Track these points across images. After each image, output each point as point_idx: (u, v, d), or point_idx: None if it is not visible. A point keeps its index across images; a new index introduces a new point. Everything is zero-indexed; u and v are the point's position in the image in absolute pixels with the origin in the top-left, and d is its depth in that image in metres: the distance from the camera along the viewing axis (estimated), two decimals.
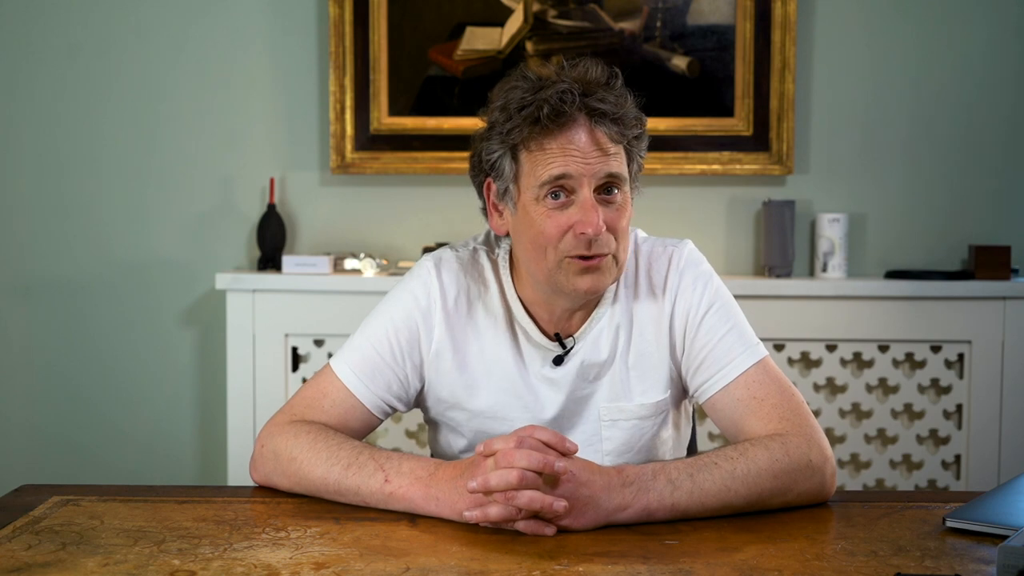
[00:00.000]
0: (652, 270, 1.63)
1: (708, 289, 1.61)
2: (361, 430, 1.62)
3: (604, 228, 1.50)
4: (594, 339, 1.61)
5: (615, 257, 1.54)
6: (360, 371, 1.61)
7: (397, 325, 1.62)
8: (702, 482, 1.42)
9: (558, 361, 1.61)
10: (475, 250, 1.66)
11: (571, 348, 1.61)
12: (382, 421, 1.65)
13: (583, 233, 1.50)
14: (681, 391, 1.66)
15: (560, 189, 1.51)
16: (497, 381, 1.62)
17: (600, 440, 1.62)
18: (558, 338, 1.61)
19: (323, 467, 1.50)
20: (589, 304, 1.61)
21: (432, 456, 1.73)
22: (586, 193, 1.50)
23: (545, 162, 1.51)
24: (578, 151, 1.50)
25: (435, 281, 1.62)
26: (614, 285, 1.61)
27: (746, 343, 1.58)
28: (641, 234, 1.69)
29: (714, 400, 1.58)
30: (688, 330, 1.60)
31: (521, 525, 1.36)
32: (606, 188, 1.52)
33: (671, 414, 1.66)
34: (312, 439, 1.53)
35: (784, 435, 1.49)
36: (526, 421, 1.58)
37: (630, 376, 1.62)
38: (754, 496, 1.44)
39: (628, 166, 1.55)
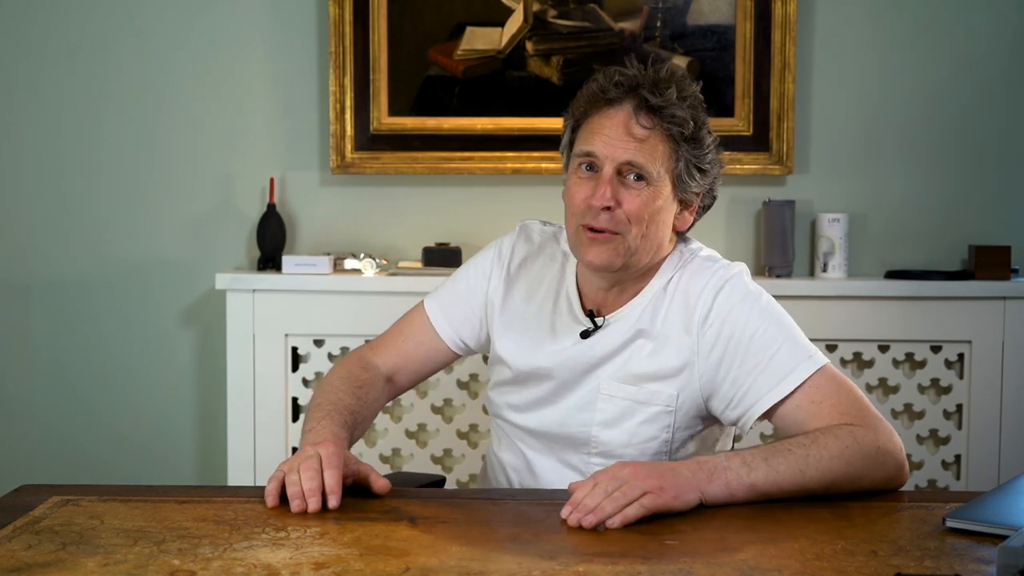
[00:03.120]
0: (692, 283, 1.70)
1: (746, 311, 1.66)
2: (430, 357, 1.85)
3: (611, 203, 1.62)
4: (620, 324, 1.71)
5: (626, 241, 1.65)
6: (441, 303, 1.85)
7: (473, 271, 1.85)
8: (777, 465, 1.49)
9: (584, 335, 1.72)
10: (560, 228, 1.83)
11: (599, 327, 1.72)
12: (457, 356, 1.87)
13: (592, 204, 1.63)
14: (702, 411, 1.70)
15: (591, 163, 1.66)
16: (525, 337, 1.77)
17: (594, 410, 1.70)
18: (591, 315, 1.73)
19: (313, 401, 1.74)
20: (627, 292, 1.72)
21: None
22: (607, 171, 1.64)
23: (584, 137, 1.67)
24: (610, 133, 1.64)
25: (510, 242, 1.85)
26: (653, 284, 1.71)
27: (799, 357, 1.62)
28: (705, 252, 1.76)
29: (773, 412, 1.62)
30: (730, 347, 1.64)
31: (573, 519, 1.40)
32: (635, 175, 1.64)
33: (671, 419, 1.69)
34: (336, 377, 1.77)
35: (851, 426, 1.54)
36: (535, 371, 1.74)
37: (639, 365, 1.69)
38: (828, 480, 1.50)
39: (672, 164, 1.65)
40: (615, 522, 1.39)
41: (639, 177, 1.64)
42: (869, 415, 1.57)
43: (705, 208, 1.75)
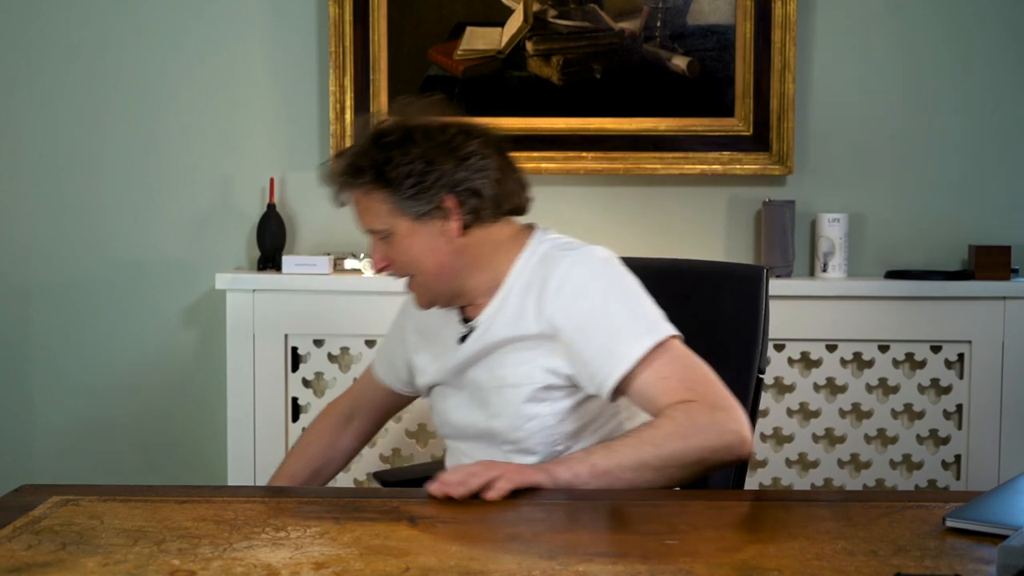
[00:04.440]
0: (541, 271, 1.76)
1: (589, 288, 1.72)
2: (378, 398, 2.06)
3: (382, 264, 1.78)
4: (488, 323, 1.79)
5: (417, 281, 1.79)
6: (380, 347, 2.08)
7: (397, 313, 2.02)
8: (615, 447, 1.62)
9: (462, 340, 1.83)
10: None
11: (472, 331, 1.81)
12: (404, 397, 2.05)
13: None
14: (569, 384, 1.76)
15: None
16: (426, 349, 1.91)
17: (488, 404, 1.79)
18: (466, 322, 1.83)
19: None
20: (484, 298, 1.80)
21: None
22: (371, 241, 1.79)
23: None
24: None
25: None
26: (509, 282, 1.78)
27: (640, 331, 1.68)
28: (557, 240, 1.81)
29: (625, 388, 1.69)
30: (576, 326, 1.71)
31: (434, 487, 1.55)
32: (380, 234, 1.77)
33: (549, 395, 1.75)
34: (309, 428, 2.11)
35: (688, 403, 1.63)
36: (435, 382, 1.88)
37: (509, 354, 1.77)
38: (666, 455, 1.60)
39: (389, 208, 1.73)
40: (493, 495, 1.53)
41: (384, 233, 1.76)
42: (711, 390, 1.65)
43: (471, 199, 1.74)
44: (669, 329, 1.70)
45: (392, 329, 2.02)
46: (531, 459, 1.75)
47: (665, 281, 2.19)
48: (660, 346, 1.67)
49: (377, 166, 1.72)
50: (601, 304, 1.70)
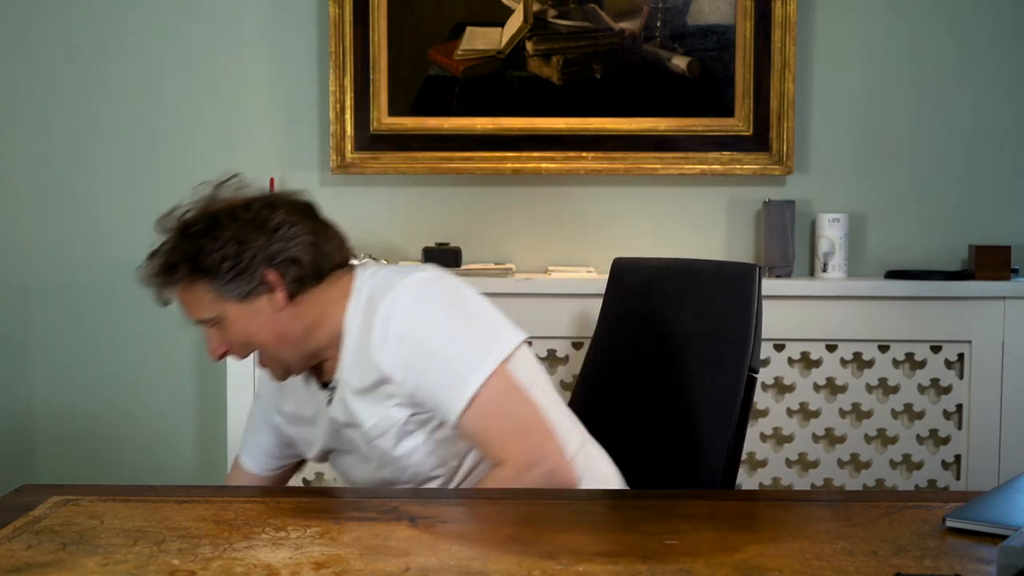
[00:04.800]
0: (367, 315, 1.72)
1: (408, 333, 1.68)
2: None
3: (221, 350, 1.76)
4: (341, 379, 1.76)
5: (264, 357, 1.77)
6: (244, 440, 1.99)
7: (254, 399, 2.00)
8: None
9: (329, 402, 1.80)
10: None
11: (333, 392, 1.79)
12: (280, 478, 1.98)
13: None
14: (425, 412, 1.73)
15: None
16: (302, 425, 1.87)
17: (370, 459, 1.77)
18: (325, 386, 1.81)
19: None
20: (334, 356, 1.77)
21: None
22: (204, 330, 1.77)
23: None
24: None
25: None
26: (348, 334, 1.74)
27: (466, 368, 1.66)
28: (375, 277, 1.77)
29: (463, 436, 1.70)
30: (405, 375, 1.69)
31: None
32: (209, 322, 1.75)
33: (410, 428, 1.74)
34: None
35: (498, 468, 1.65)
36: (322, 445, 1.84)
37: (366, 407, 1.74)
38: None
39: (213, 296, 1.72)
40: None
41: (215, 320, 1.74)
42: (522, 444, 1.66)
43: (291, 268, 1.73)
44: (497, 356, 1.68)
45: (251, 418, 1.99)
46: (436, 483, 1.76)
47: (660, 280, 2.20)
48: (484, 390, 1.66)
49: (190, 258, 1.71)
50: (423, 348, 1.68)
